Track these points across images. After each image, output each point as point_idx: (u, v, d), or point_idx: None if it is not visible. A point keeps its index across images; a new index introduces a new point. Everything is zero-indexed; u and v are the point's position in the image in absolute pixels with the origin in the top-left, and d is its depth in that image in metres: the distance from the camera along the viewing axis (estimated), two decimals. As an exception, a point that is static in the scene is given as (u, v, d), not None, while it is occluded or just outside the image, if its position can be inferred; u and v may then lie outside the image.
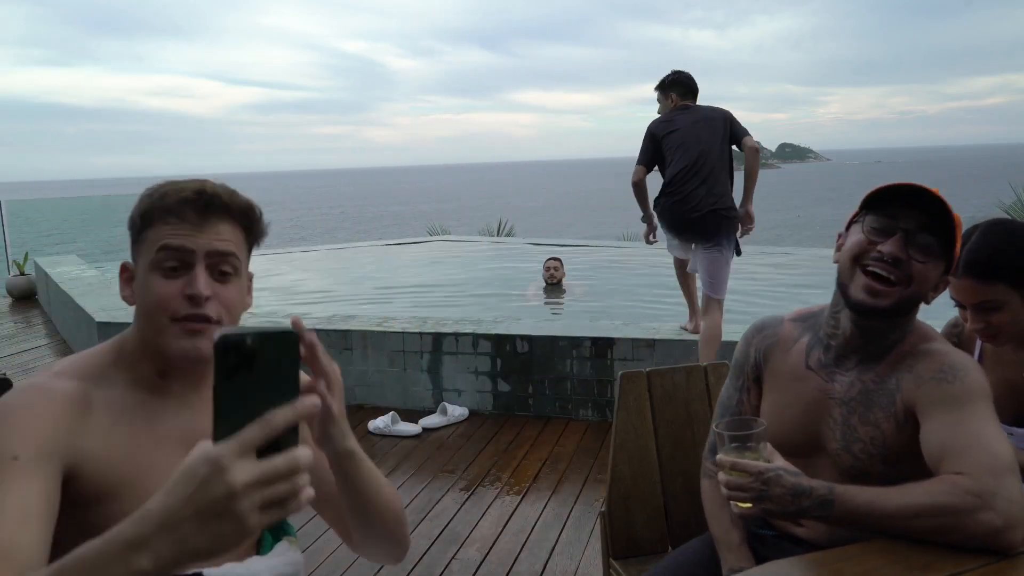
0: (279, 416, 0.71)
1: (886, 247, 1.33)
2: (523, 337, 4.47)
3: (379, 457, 3.90)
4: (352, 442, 1.07)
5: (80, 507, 1.03)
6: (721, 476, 1.28)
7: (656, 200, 4.35)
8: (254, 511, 0.70)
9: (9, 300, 8.63)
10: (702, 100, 4.40)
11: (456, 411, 4.43)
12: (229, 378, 0.71)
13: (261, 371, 0.72)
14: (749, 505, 1.27)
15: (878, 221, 1.36)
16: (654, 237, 4.58)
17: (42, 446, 1.00)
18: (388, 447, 4.05)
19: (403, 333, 4.63)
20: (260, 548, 1.22)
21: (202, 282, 1.08)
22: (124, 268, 1.16)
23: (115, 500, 1.04)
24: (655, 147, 4.32)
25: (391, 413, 4.32)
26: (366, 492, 1.11)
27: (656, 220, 4.44)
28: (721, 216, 4.12)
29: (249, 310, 1.20)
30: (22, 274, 8.70)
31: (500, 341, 4.51)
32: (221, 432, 0.71)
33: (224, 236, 1.11)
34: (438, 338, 4.60)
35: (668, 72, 4.45)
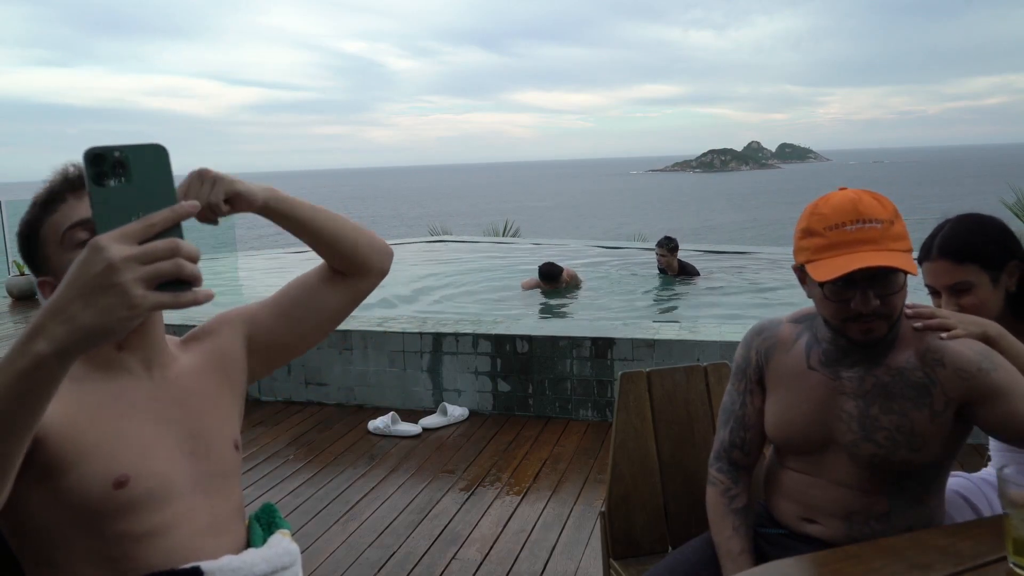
0: (158, 215, 0.75)
1: (857, 305, 1.35)
2: (523, 337, 4.47)
3: (379, 457, 3.91)
4: (265, 191, 1.14)
5: (53, 475, 1.07)
6: None
7: None
8: (137, 284, 0.73)
9: (9, 300, 8.62)
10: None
11: (456, 411, 4.43)
12: (100, 184, 0.75)
13: (134, 180, 0.76)
14: None
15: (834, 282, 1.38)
16: None
17: None
18: (388, 447, 4.04)
19: (403, 333, 4.63)
20: (252, 541, 1.24)
21: None
22: (43, 283, 1.20)
23: (84, 465, 1.08)
24: None
25: (391, 413, 4.32)
26: (304, 215, 1.21)
27: None
28: None
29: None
30: (22, 274, 8.69)
31: (500, 341, 4.51)
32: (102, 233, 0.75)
33: None
34: (438, 338, 4.60)
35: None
